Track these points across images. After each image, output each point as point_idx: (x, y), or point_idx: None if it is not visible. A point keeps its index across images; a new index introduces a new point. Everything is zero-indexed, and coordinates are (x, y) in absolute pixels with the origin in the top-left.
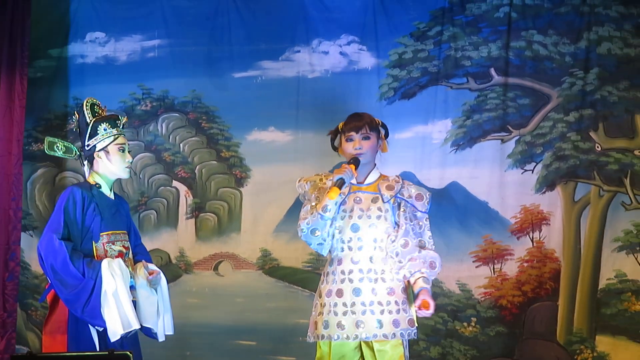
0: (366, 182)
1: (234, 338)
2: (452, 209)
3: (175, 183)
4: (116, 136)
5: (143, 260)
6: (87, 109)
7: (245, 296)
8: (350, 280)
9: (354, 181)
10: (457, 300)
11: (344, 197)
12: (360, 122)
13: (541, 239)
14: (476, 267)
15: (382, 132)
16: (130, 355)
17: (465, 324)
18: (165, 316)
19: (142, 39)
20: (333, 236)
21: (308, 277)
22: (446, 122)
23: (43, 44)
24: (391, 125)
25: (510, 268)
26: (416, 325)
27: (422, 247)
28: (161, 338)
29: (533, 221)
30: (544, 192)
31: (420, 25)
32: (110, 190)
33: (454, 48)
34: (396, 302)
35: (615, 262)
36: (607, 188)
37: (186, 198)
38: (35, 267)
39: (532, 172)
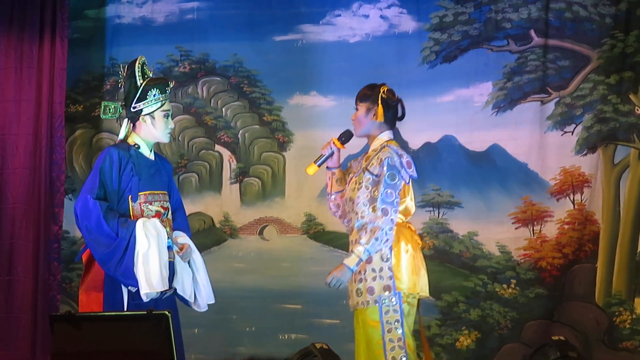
0: (361, 152)
1: (280, 302)
2: (492, 171)
3: (217, 147)
4: (163, 102)
5: (175, 236)
6: (137, 71)
7: (291, 260)
8: (350, 251)
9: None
10: (497, 262)
11: (334, 169)
12: (356, 96)
13: (583, 202)
14: (515, 228)
15: (379, 100)
16: (169, 314)
17: (504, 285)
18: (203, 287)
19: (180, 0)
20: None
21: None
22: (487, 85)
23: (80, 5)
24: (433, 88)
25: (550, 230)
26: (395, 290)
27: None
28: (203, 308)
29: (573, 183)
30: (585, 154)
31: None
32: (150, 151)
33: (494, 10)
34: (373, 270)
35: None
36: None
37: (230, 163)
38: (74, 233)
39: (572, 133)
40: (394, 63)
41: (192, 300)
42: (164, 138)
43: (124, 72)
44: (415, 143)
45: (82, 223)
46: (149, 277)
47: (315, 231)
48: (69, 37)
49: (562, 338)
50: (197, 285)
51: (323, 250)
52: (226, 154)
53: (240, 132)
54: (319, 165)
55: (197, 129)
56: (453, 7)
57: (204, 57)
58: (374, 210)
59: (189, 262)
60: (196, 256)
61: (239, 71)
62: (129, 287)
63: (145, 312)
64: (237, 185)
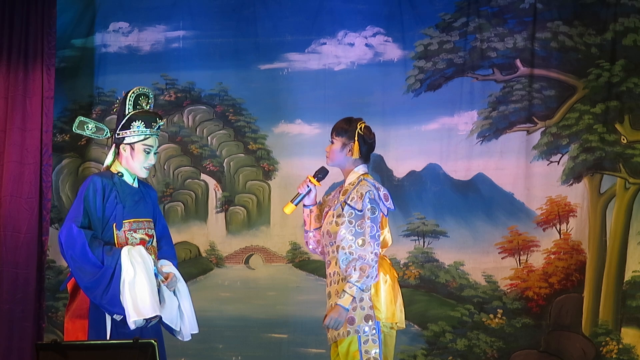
0: (333, 187)
1: (266, 331)
2: (478, 200)
3: (203, 176)
4: (147, 136)
5: (160, 265)
6: (129, 100)
7: (277, 289)
8: (328, 284)
9: None
10: (483, 292)
11: (311, 207)
12: (332, 128)
13: (568, 231)
14: (502, 258)
15: (356, 136)
16: (155, 343)
17: (491, 315)
18: (187, 317)
19: (166, 29)
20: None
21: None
22: (472, 114)
23: (67, 34)
24: (418, 117)
25: (536, 259)
26: (375, 319)
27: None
28: (187, 338)
29: (560, 213)
30: (571, 184)
31: (446, 16)
32: (134, 180)
33: (479, 39)
34: (353, 300)
35: None
36: (632, 180)
37: (215, 191)
38: (60, 262)
39: (558, 163)
40: (379, 91)
41: (177, 329)
42: (140, 172)
43: (120, 97)
44: (399, 171)
45: (66, 252)
46: (137, 305)
47: (300, 260)
48: (56, 66)
49: None
50: (182, 315)
51: (309, 279)
52: (212, 182)
53: (225, 160)
54: (296, 205)
55: (182, 158)
56: (438, 35)
57: (190, 85)
58: (362, 243)
59: (174, 291)
60: (181, 285)
61: (225, 100)
62: (114, 316)
63: (132, 341)
64: (223, 214)
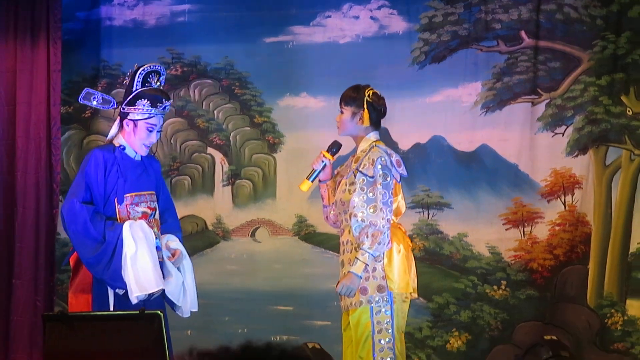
0: (346, 157)
1: (272, 303)
2: (481, 171)
3: (210, 150)
4: (151, 115)
5: (167, 241)
6: (139, 76)
7: (283, 262)
8: (341, 253)
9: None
10: (487, 263)
11: (327, 182)
12: (340, 98)
13: (573, 203)
14: (506, 229)
15: (365, 104)
16: (161, 314)
17: (495, 287)
18: (189, 294)
19: (171, 3)
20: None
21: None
22: (476, 85)
23: (71, 7)
24: (422, 89)
25: (541, 231)
26: (388, 290)
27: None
28: (186, 314)
29: (564, 184)
30: (576, 156)
31: None
32: (136, 153)
33: (484, 11)
34: (365, 267)
35: None
36: (638, 152)
37: (222, 165)
38: (65, 235)
39: (563, 135)
40: (384, 64)
41: (179, 304)
42: (140, 149)
43: (130, 71)
44: (404, 144)
45: (69, 227)
46: (139, 279)
47: (306, 233)
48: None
49: (554, 338)
50: (185, 291)
51: (314, 252)
52: (218, 156)
53: (231, 134)
54: (312, 181)
55: (189, 132)
56: (443, 7)
57: (196, 59)
58: (374, 210)
59: (178, 268)
60: (186, 261)
61: (230, 73)
62: (116, 290)
63: (138, 312)
64: (229, 187)
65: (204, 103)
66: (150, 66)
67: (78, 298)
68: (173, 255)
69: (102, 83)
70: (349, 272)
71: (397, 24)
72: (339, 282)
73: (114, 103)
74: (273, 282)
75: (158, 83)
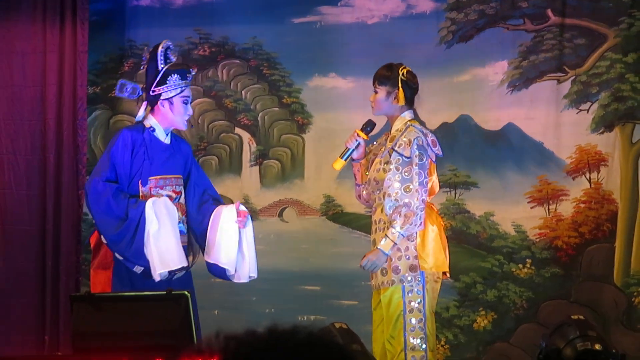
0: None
1: (299, 283)
2: (508, 150)
3: (237, 130)
4: (183, 88)
5: (238, 202)
6: (160, 55)
7: (310, 242)
8: (373, 232)
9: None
10: (513, 242)
11: (360, 160)
12: (374, 76)
13: (599, 180)
14: (531, 208)
15: (399, 82)
16: (188, 295)
17: (520, 265)
18: (248, 260)
19: None
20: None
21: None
22: (502, 64)
23: None
24: (450, 68)
25: (566, 209)
26: (420, 269)
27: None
28: (243, 279)
29: (590, 161)
30: (602, 133)
31: None
32: (167, 135)
33: None
34: (398, 249)
35: None
36: None
37: (249, 145)
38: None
39: (588, 112)
40: (412, 43)
41: (232, 270)
42: (181, 124)
43: (148, 54)
44: (432, 123)
45: (92, 205)
46: (163, 256)
47: (334, 212)
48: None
49: (581, 317)
50: (243, 256)
51: (342, 232)
52: (246, 136)
53: (259, 114)
54: (345, 160)
55: (217, 112)
56: None
57: (224, 40)
58: (407, 190)
59: (240, 234)
60: (249, 225)
61: (259, 54)
62: (135, 268)
63: (165, 292)
64: (257, 167)
65: (231, 83)
66: (164, 43)
67: (98, 275)
68: (243, 215)
69: (128, 63)
70: (376, 247)
71: (425, 4)
72: (365, 256)
73: (139, 91)
74: (300, 262)
75: (174, 58)
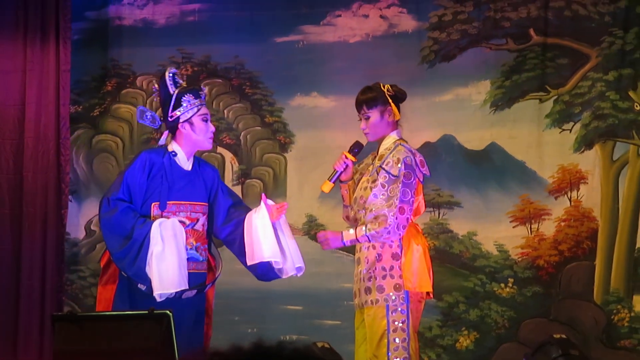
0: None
1: (282, 303)
2: (491, 170)
3: (220, 149)
4: (199, 107)
5: (263, 194)
6: (169, 80)
7: None
8: (357, 250)
9: None
10: (495, 261)
11: (348, 182)
12: (358, 102)
13: (579, 198)
14: (513, 227)
15: (390, 100)
16: (170, 314)
17: (502, 284)
18: (289, 249)
19: (181, 2)
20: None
21: None
22: (485, 83)
23: (81, 6)
24: (432, 88)
25: (548, 228)
26: (404, 289)
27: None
28: (290, 272)
29: (571, 180)
30: (582, 152)
31: None
32: (188, 160)
33: (493, 9)
34: (383, 268)
35: None
36: None
37: (232, 165)
38: (76, 234)
39: (570, 131)
40: (394, 62)
41: (280, 261)
42: (206, 143)
43: (156, 85)
44: (414, 143)
45: (100, 222)
46: (162, 278)
47: (316, 232)
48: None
49: (563, 336)
50: (283, 251)
51: (324, 252)
52: (228, 155)
53: (242, 133)
54: (334, 182)
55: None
56: (452, 6)
57: (206, 59)
58: (388, 205)
59: (275, 229)
60: (283, 220)
61: (241, 73)
62: (139, 285)
63: (147, 312)
64: (240, 187)
65: (214, 102)
66: (170, 69)
67: (105, 291)
68: (279, 207)
69: (111, 82)
70: (340, 232)
71: (407, 23)
72: (325, 231)
73: (159, 121)
74: (283, 281)
75: (183, 81)
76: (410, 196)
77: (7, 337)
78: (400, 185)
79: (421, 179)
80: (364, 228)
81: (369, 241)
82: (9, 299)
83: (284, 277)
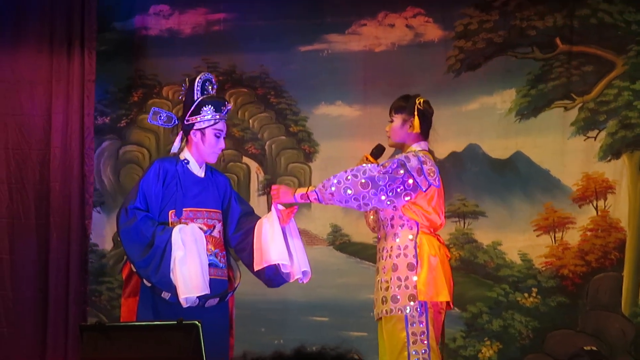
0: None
1: (307, 314)
2: (515, 178)
3: (245, 159)
4: (217, 121)
5: (275, 203)
6: (197, 85)
7: (317, 272)
8: (378, 259)
9: None
10: (518, 270)
11: None
12: (391, 106)
13: (606, 208)
14: (537, 236)
15: (415, 111)
16: (199, 325)
17: (526, 294)
18: (296, 252)
19: (207, 12)
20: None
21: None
22: (511, 92)
23: (107, 17)
24: (458, 97)
25: (572, 237)
26: (419, 299)
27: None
28: (297, 276)
29: (597, 189)
30: (609, 160)
31: None
32: (200, 168)
33: (519, 18)
34: (398, 278)
35: None
36: None
37: (257, 175)
38: (103, 246)
39: (595, 139)
40: (419, 72)
41: (288, 264)
42: (211, 157)
43: (187, 84)
44: (441, 153)
45: (120, 232)
46: (187, 282)
47: (341, 242)
48: (97, 49)
49: (593, 348)
50: (291, 255)
51: (349, 262)
52: (253, 165)
53: (267, 143)
54: None
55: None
56: (478, 15)
57: (231, 68)
58: (365, 185)
59: (284, 234)
60: (292, 224)
61: (266, 82)
62: (163, 294)
63: (176, 322)
64: (265, 197)
65: (239, 112)
66: (204, 74)
67: (128, 303)
68: (290, 211)
69: (138, 93)
70: (295, 188)
71: (433, 32)
72: (280, 185)
73: (175, 120)
74: (308, 292)
75: (213, 91)
76: (395, 188)
77: (35, 347)
78: (383, 172)
79: (424, 188)
80: (319, 185)
81: (318, 199)
82: (37, 309)
83: (290, 280)
